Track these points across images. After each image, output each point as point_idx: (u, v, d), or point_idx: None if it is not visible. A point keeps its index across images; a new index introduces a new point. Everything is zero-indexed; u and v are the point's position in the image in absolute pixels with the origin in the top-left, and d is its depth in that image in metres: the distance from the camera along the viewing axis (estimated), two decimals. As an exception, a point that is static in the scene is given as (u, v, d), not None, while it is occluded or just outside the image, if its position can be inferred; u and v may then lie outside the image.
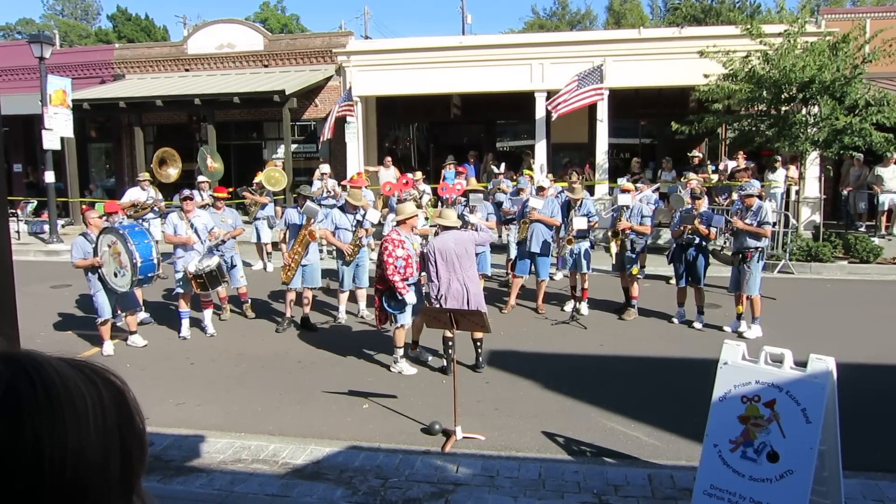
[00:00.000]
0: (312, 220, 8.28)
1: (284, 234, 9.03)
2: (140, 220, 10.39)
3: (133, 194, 11.67)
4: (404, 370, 6.82)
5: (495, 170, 13.59)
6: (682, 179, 12.40)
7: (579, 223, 8.79)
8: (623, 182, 10.31)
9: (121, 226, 7.59)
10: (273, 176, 12.92)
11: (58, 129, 15.23)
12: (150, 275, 7.44)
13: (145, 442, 0.79)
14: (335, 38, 17.96)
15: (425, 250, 6.80)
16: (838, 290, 10.39)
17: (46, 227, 15.91)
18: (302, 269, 8.35)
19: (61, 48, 21.73)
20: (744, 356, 3.75)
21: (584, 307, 9.04)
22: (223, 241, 8.59)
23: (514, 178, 13.01)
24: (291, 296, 8.45)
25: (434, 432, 5.35)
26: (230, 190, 11.56)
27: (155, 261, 7.42)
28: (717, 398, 3.74)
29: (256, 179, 13.01)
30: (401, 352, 6.88)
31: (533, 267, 9.13)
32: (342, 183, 12.97)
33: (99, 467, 0.71)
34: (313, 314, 8.75)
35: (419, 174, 13.27)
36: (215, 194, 9.84)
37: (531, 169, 14.65)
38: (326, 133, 16.00)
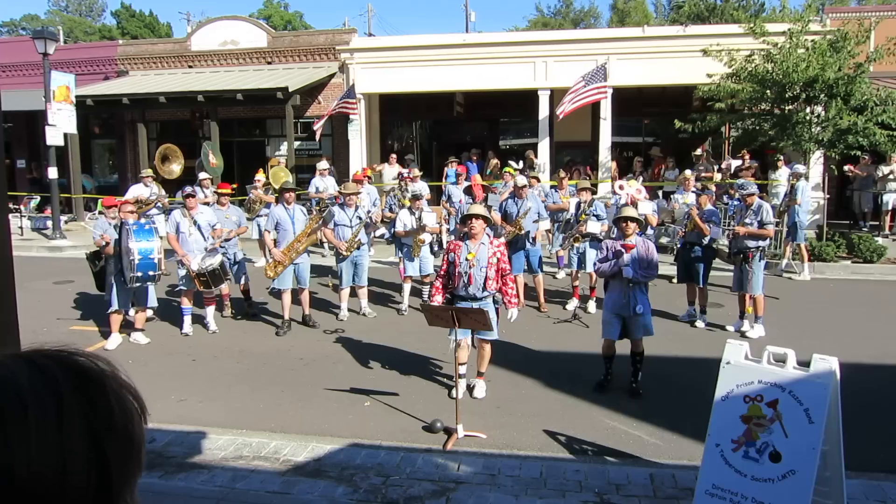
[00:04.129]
0: (330, 222, 8.31)
1: (274, 239, 8.35)
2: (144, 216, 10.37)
3: (136, 191, 11.69)
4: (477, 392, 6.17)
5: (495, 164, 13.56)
6: (681, 178, 12.36)
7: (593, 227, 8.69)
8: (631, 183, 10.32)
9: (129, 222, 7.46)
10: (279, 175, 12.94)
11: (61, 125, 15.25)
12: (150, 273, 7.38)
13: (136, 443, 0.72)
14: (339, 35, 17.94)
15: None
16: (841, 290, 10.36)
17: (49, 223, 15.92)
18: (294, 268, 8.26)
19: (65, 44, 21.73)
20: (746, 356, 3.73)
21: (591, 305, 9.04)
22: (227, 240, 8.57)
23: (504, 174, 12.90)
24: (287, 298, 8.31)
25: (436, 430, 5.35)
26: (234, 186, 11.55)
27: (155, 260, 7.37)
28: (720, 398, 3.72)
29: (258, 177, 13.00)
30: (462, 369, 5.96)
31: (527, 264, 9.11)
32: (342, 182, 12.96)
33: (52, 479, 0.65)
34: (314, 312, 8.75)
35: (416, 171, 13.19)
36: (220, 191, 9.80)
37: (510, 166, 14.54)
38: (320, 128, 15.93)
